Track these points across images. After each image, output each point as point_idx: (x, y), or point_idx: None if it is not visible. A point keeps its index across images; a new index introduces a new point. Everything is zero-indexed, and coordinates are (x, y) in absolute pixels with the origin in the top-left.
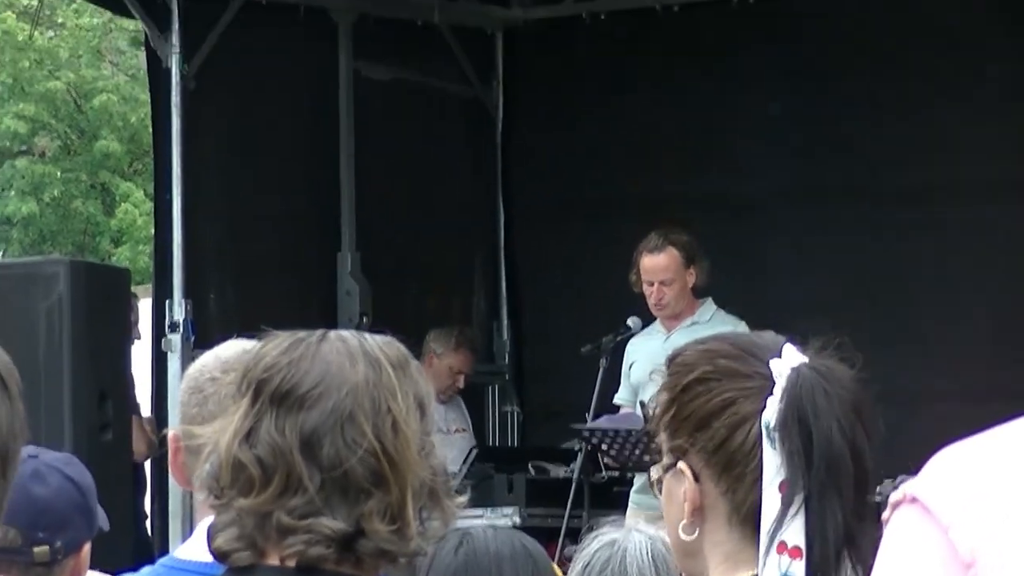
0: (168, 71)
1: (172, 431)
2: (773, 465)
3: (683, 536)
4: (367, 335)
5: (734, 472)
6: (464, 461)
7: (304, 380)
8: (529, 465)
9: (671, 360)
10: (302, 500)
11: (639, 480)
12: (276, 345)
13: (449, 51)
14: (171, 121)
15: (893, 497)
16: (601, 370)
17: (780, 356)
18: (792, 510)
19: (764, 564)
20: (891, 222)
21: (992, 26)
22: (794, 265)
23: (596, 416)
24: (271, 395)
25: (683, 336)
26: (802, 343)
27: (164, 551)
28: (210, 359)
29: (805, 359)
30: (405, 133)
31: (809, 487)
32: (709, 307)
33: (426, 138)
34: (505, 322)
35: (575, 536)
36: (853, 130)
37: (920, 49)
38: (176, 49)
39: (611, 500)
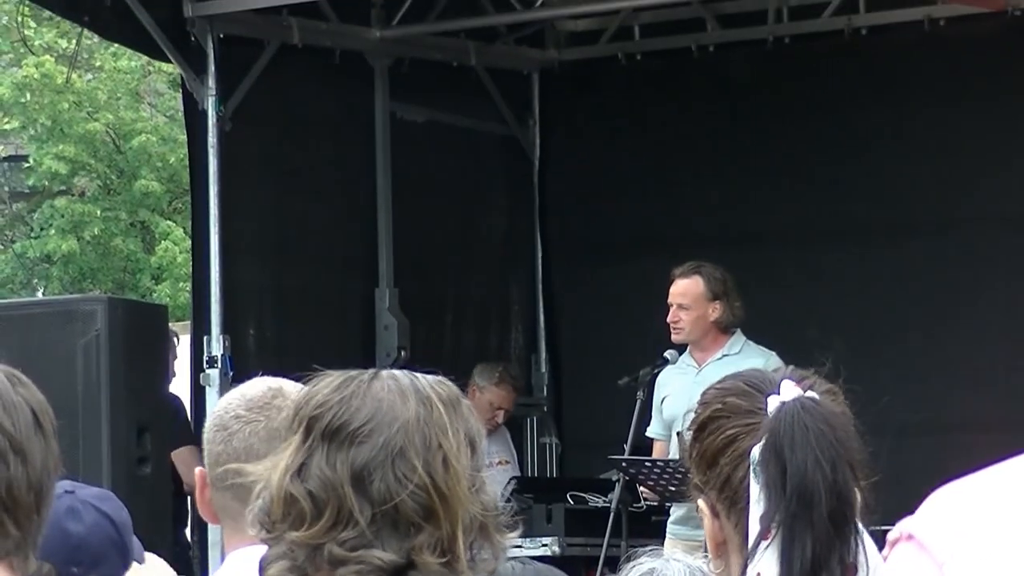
0: (204, 112)
1: (199, 469)
2: (755, 497)
3: (712, 570)
4: (419, 374)
5: (739, 507)
6: (503, 491)
7: (355, 417)
8: (567, 495)
9: (700, 398)
10: (353, 533)
11: (676, 511)
12: (328, 383)
13: (485, 92)
14: (208, 161)
15: (891, 535)
16: (638, 402)
17: (779, 392)
18: (766, 542)
19: None
20: (918, 254)
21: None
22: (821, 299)
23: (634, 448)
24: (323, 431)
25: (715, 369)
26: (805, 378)
27: None
28: (235, 397)
29: (799, 393)
30: (442, 172)
31: (781, 518)
32: (739, 339)
33: (463, 177)
34: (543, 356)
35: (613, 565)
36: (879, 164)
37: (945, 81)
38: (212, 91)
39: (649, 529)
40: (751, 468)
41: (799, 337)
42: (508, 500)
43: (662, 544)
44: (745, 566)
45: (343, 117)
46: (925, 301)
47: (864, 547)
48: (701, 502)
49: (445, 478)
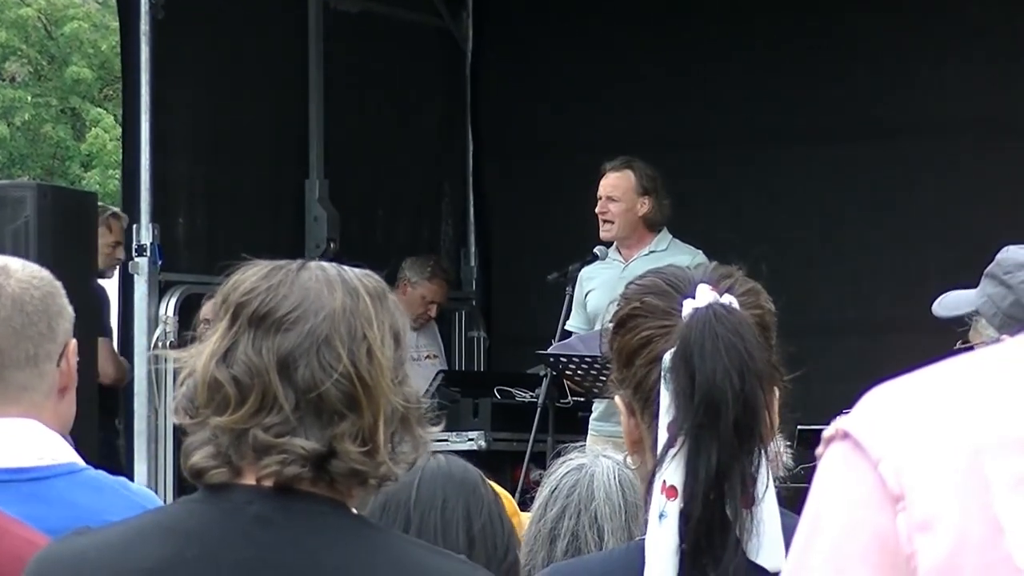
0: (138, 0)
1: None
2: (665, 405)
3: (630, 465)
4: (346, 267)
5: (651, 408)
6: (430, 385)
7: (282, 304)
8: (495, 390)
9: (623, 292)
10: (277, 419)
11: (598, 407)
12: (256, 271)
13: None
14: (139, 49)
15: (826, 433)
16: (567, 297)
17: (694, 296)
18: (674, 450)
19: (650, 504)
20: (851, 158)
21: None
22: (754, 202)
23: (561, 342)
24: (249, 318)
25: (641, 264)
26: (726, 277)
27: (130, 471)
28: None
29: (714, 299)
30: (374, 64)
31: (688, 427)
32: (665, 236)
33: (395, 69)
34: (473, 249)
35: (540, 460)
36: (823, 71)
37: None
38: None
39: (576, 425)
40: (662, 374)
41: (728, 240)
42: (434, 395)
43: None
44: (653, 473)
45: (276, 7)
46: (856, 203)
47: (765, 462)
48: (618, 399)
49: (369, 368)
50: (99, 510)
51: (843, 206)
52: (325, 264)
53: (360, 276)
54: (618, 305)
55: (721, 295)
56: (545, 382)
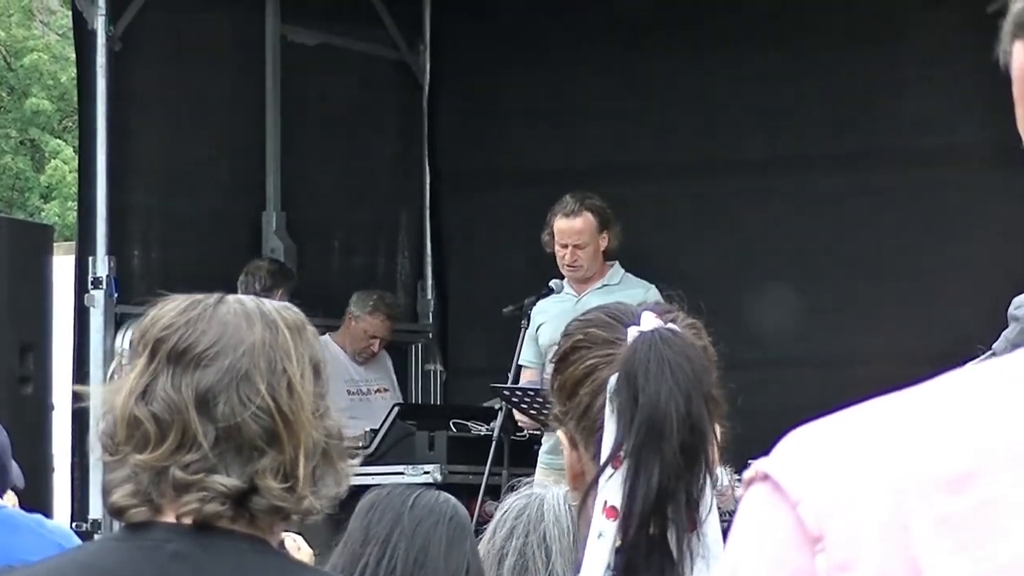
0: (94, 32)
1: None
2: (608, 427)
3: (570, 501)
4: (265, 300)
5: (596, 437)
6: (385, 419)
7: (201, 339)
8: (450, 423)
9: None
10: (197, 456)
11: (548, 440)
12: (174, 307)
13: (377, 16)
14: (96, 81)
15: (746, 474)
16: (523, 331)
17: (639, 323)
18: (615, 470)
19: (592, 526)
20: (807, 188)
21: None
22: (708, 234)
23: (517, 377)
24: (168, 354)
25: (595, 298)
26: (668, 311)
27: (85, 503)
28: None
29: (659, 325)
30: (332, 97)
31: (630, 447)
32: (618, 270)
33: (353, 102)
34: (429, 282)
35: (495, 493)
36: (777, 99)
37: (842, 16)
38: (102, 11)
39: (530, 458)
40: (608, 399)
41: (682, 271)
42: (392, 426)
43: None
44: (591, 493)
45: (233, 39)
46: (811, 234)
47: (711, 485)
48: (561, 433)
49: (289, 402)
50: (15, 549)
51: (798, 237)
52: (243, 297)
53: (279, 309)
54: (559, 343)
55: (666, 324)
56: (500, 415)
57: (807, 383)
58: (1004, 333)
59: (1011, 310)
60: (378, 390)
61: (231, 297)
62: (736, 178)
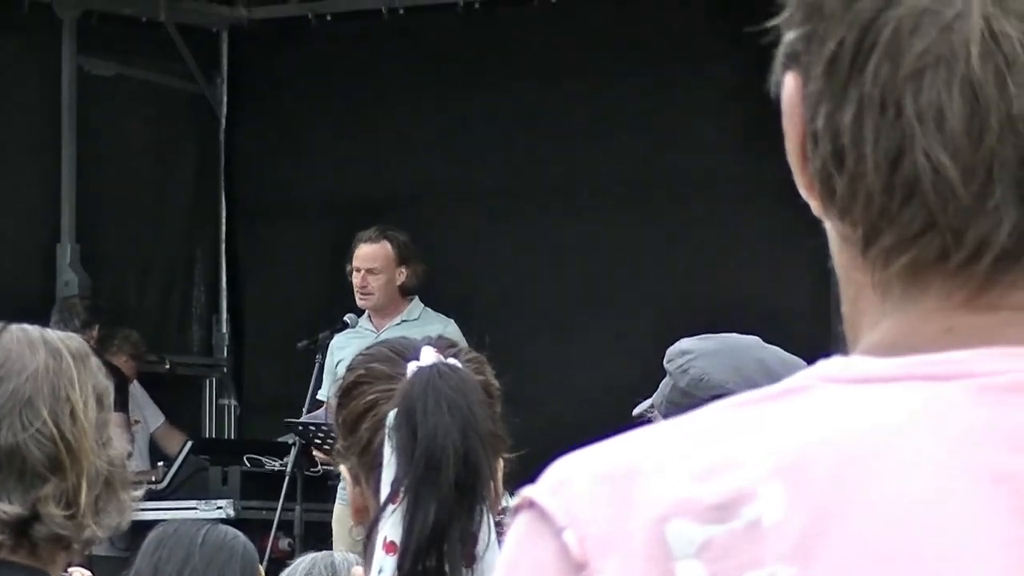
0: None
1: None
2: (387, 462)
3: (356, 536)
4: (49, 329)
5: (376, 475)
6: (179, 453)
7: None
8: (244, 458)
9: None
10: None
11: None
12: None
13: (174, 48)
14: None
15: (513, 502)
16: (317, 366)
17: (419, 357)
18: (394, 506)
19: (373, 561)
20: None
21: (713, 28)
22: (506, 266)
23: (311, 411)
24: None
25: (394, 334)
26: (451, 345)
27: None
28: None
29: (437, 360)
30: (129, 128)
31: (409, 482)
32: (417, 305)
33: (150, 134)
34: (224, 316)
35: (288, 528)
36: (575, 132)
37: (642, 50)
38: None
39: (324, 493)
40: (387, 435)
41: (479, 305)
42: (185, 460)
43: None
44: (374, 529)
45: (30, 69)
46: (603, 271)
47: (488, 521)
48: (344, 468)
49: (72, 429)
50: None
51: (593, 270)
52: (27, 326)
53: (63, 338)
54: (343, 376)
55: (446, 358)
56: (294, 451)
57: (604, 417)
58: (660, 386)
59: (665, 363)
60: (134, 422)
61: (14, 326)
62: (532, 209)
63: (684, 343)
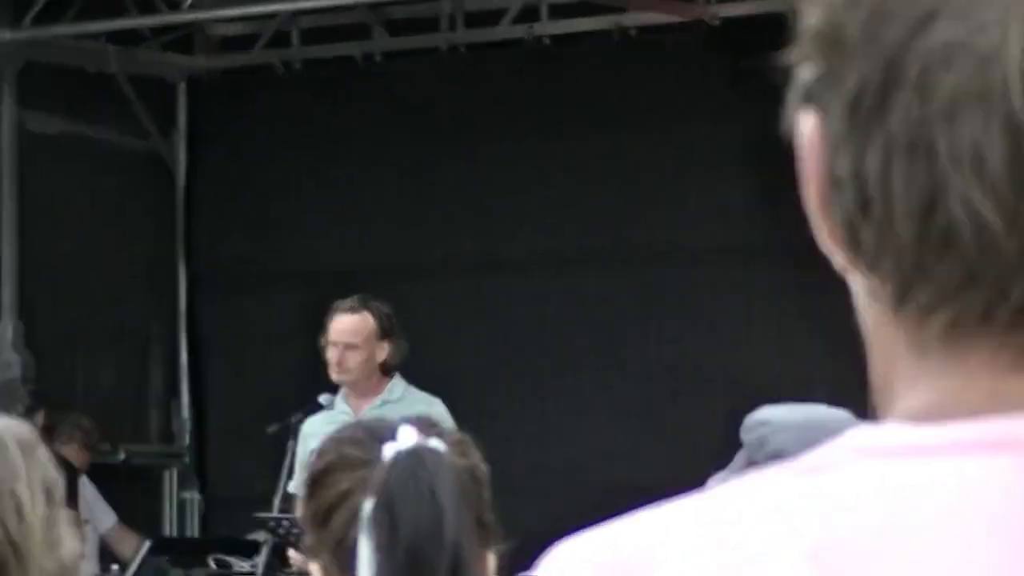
0: None
1: None
2: (365, 560)
3: None
4: None
5: (353, 573)
6: (137, 553)
7: None
8: (210, 559)
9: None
10: None
11: None
12: None
13: (126, 102)
14: None
15: None
16: (289, 452)
17: (396, 439)
18: None
19: None
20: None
21: (726, 93)
22: (488, 334)
23: (284, 505)
24: None
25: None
26: (433, 426)
27: None
28: None
29: (418, 441)
30: (76, 191)
31: None
32: (399, 383)
33: (99, 196)
34: (185, 399)
35: None
36: (560, 189)
37: (654, 112)
38: None
39: None
40: (362, 527)
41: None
42: (143, 564)
43: None
44: None
45: None
46: (593, 334)
47: None
48: (314, 567)
49: (19, 528)
50: None
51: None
52: None
53: (8, 425)
54: (312, 463)
55: (428, 440)
56: (265, 550)
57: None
58: (737, 455)
59: (741, 431)
60: (85, 521)
61: None
62: (512, 272)
63: (764, 412)
